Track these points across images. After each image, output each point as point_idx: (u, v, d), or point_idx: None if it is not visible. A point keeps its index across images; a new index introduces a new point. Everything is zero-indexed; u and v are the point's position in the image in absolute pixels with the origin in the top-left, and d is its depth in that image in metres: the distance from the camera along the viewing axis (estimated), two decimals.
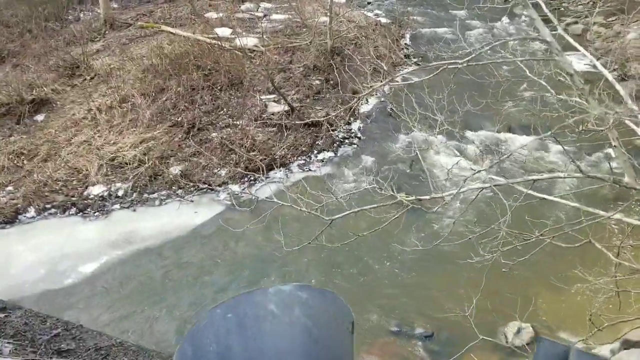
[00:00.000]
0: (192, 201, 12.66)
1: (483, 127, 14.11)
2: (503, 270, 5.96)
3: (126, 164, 13.53)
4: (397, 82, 5.92)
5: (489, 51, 7.02)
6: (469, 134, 13.88)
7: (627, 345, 7.62)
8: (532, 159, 9.53)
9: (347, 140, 15.10)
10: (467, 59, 4.91)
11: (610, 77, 5.74)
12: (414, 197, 5.05)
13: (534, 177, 4.97)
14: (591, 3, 19.72)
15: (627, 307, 7.54)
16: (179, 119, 14.75)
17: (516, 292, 9.20)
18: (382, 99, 16.88)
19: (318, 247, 5.65)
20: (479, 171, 5.03)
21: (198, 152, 13.82)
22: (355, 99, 10.17)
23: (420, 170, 12.19)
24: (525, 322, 9.21)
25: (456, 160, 6.48)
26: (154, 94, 15.56)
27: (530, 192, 5.08)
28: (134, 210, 12.60)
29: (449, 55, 5.93)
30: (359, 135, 15.27)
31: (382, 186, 5.09)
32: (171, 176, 13.22)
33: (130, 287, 10.60)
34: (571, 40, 6.22)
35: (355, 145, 14.87)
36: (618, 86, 5.77)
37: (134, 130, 14.44)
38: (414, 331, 9.23)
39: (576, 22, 19.55)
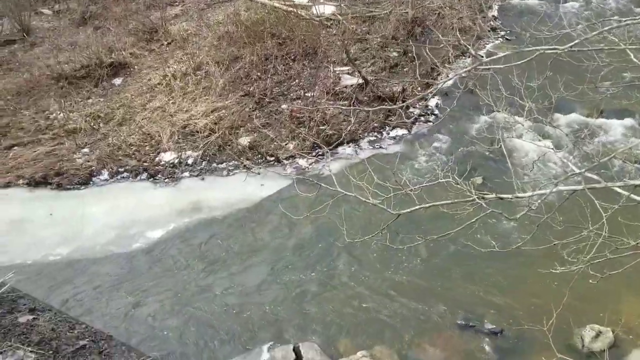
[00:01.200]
0: (258, 173, 12.51)
1: (576, 111, 12.96)
2: (590, 281, 5.29)
3: (197, 132, 13.55)
4: (482, 67, 5.27)
5: (587, 30, 6.20)
6: (561, 119, 12.78)
7: None
8: (633, 157, 8.53)
9: (422, 118, 14.36)
10: (569, 45, 4.25)
11: None
12: (494, 195, 4.49)
13: (636, 182, 4.27)
14: None
15: None
16: (251, 89, 14.57)
17: (600, 298, 8.43)
18: (464, 74, 15.91)
19: (382, 237, 5.21)
20: (575, 174, 4.38)
21: (268, 123, 13.60)
22: (434, 87, 9.45)
23: (501, 155, 11.37)
24: (605, 327, 8.49)
25: (544, 152, 5.75)
26: (227, 62, 15.44)
27: (633, 196, 4.38)
28: (203, 179, 12.63)
29: (543, 35, 5.23)
30: (436, 112, 14.47)
31: (457, 181, 4.55)
32: (240, 147, 13.10)
33: (193, 256, 10.65)
34: None
35: (431, 123, 14.10)
36: None
37: (207, 99, 14.41)
38: (482, 326, 8.69)
39: None
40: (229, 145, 13.22)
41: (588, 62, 6.99)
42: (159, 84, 15.31)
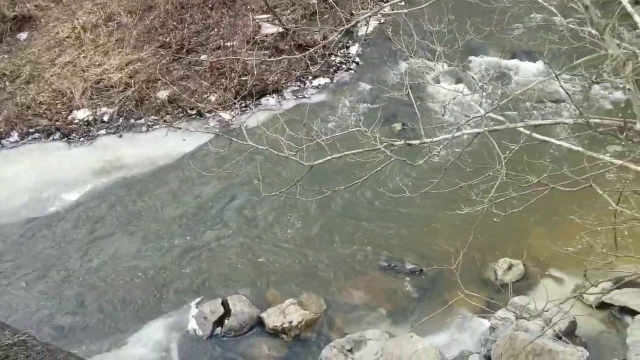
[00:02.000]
0: (180, 128, 12.17)
1: (486, 53, 13.32)
2: (495, 220, 5.59)
3: (112, 87, 12.95)
4: (388, 12, 5.26)
5: None
6: (472, 61, 13.12)
7: (619, 284, 7.45)
8: (536, 96, 8.89)
9: (344, 66, 14.34)
10: None
11: (629, 7, 5.10)
12: (402, 142, 4.59)
13: (536, 122, 4.49)
14: None
15: (625, 252, 7.27)
16: (167, 40, 13.98)
17: (509, 234, 8.95)
18: (382, 21, 15.93)
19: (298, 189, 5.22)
20: (476, 117, 4.53)
21: (187, 75, 13.17)
22: (350, 24, 9.36)
23: (419, 100, 11.59)
24: (516, 260, 9.04)
25: (454, 96, 5.90)
26: (141, 12, 14.65)
27: (534, 134, 4.59)
28: (120, 136, 12.17)
29: None
30: (356, 60, 14.48)
31: (365, 130, 4.59)
32: (159, 101, 12.66)
33: (111, 216, 10.37)
34: None
35: (353, 71, 14.13)
36: (637, 17, 5.15)
37: (120, 51, 13.70)
38: (403, 266, 9.07)
39: None
40: (147, 100, 12.75)
41: (496, 4, 7.14)
42: (67, 37, 14.37)
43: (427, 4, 5.22)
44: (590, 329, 8.00)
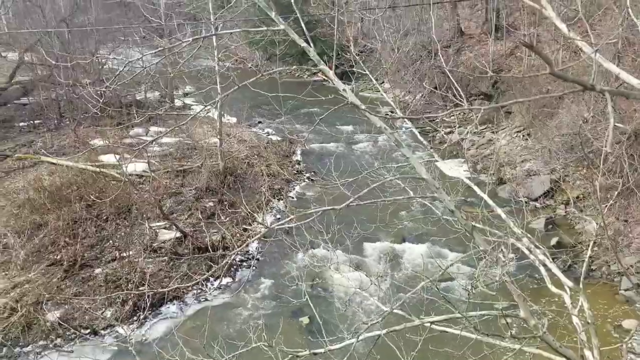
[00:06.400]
0: (72, 351, 11.26)
1: (379, 239, 14.20)
2: None
3: None
4: (277, 226, 5.63)
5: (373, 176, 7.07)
6: (368, 249, 13.87)
7: None
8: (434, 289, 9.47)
9: (244, 263, 14.55)
10: (345, 203, 4.80)
11: (484, 195, 5.85)
12: (307, 352, 4.59)
13: (431, 319, 4.75)
14: (462, 114, 21.37)
15: None
16: (59, 257, 13.53)
17: None
18: (279, 216, 16.72)
19: None
20: (373, 322, 4.73)
21: (80, 292, 12.58)
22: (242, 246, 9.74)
23: (321, 289, 11.81)
24: None
25: (352, 292, 6.14)
26: (30, 231, 14.27)
27: (434, 326, 4.83)
28: None
29: (340, 182, 5.84)
30: (257, 256, 14.78)
31: (271, 343, 4.58)
32: (48, 323, 11.79)
33: None
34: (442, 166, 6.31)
35: (254, 267, 14.30)
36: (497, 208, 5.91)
37: (6, 275, 12.97)
38: None
39: (451, 132, 21.05)
40: (36, 324, 11.84)
41: (376, 204, 7.83)
42: None
43: (307, 220, 5.62)
44: None
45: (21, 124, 23.83)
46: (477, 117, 6.37)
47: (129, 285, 12.69)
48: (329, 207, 4.79)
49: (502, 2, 25.54)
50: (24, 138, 22.03)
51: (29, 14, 27.67)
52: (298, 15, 6.47)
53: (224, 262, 5.09)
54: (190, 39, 6.00)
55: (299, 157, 20.83)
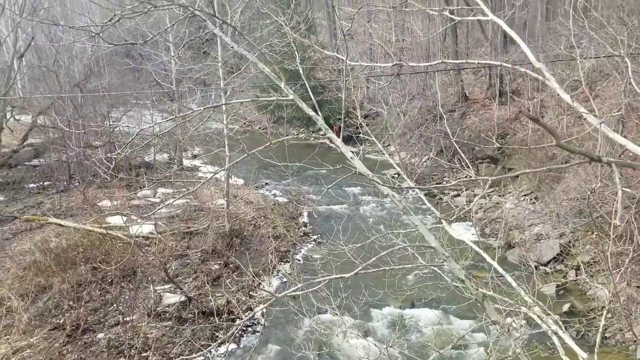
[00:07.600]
0: None
1: (387, 304, 13.95)
2: None
3: None
4: (281, 295, 5.58)
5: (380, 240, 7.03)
6: (377, 314, 13.60)
7: None
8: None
9: (250, 329, 14.25)
10: (354, 272, 4.76)
11: (493, 262, 5.78)
12: None
13: None
14: (468, 176, 21.40)
15: None
16: (61, 321, 13.33)
17: None
18: (285, 280, 16.53)
19: None
20: None
21: (82, 358, 12.31)
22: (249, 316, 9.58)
23: (328, 358, 11.50)
24: None
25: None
26: (34, 294, 14.15)
27: None
28: None
29: (348, 247, 5.82)
30: (262, 322, 14.48)
31: None
32: None
33: None
34: (449, 230, 6.25)
35: (259, 333, 14.00)
36: (502, 272, 5.83)
37: (7, 339, 12.75)
38: None
39: (458, 195, 21.08)
40: None
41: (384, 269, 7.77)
42: None
43: (316, 287, 5.57)
44: None
45: (31, 185, 24.14)
46: (485, 186, 6.42)
47: (132, 351, 12.43)
48: (337, 276, 4.76)
49: (506, 69, 26.16)
50: (32, 199, 22.21)
51: (44, 79, 28.49)
52: (305, 82, 6.67)
53: (230, 332, 5.00)
54: (202, 108, 6.16)
55: (305, 219, 20.79)
